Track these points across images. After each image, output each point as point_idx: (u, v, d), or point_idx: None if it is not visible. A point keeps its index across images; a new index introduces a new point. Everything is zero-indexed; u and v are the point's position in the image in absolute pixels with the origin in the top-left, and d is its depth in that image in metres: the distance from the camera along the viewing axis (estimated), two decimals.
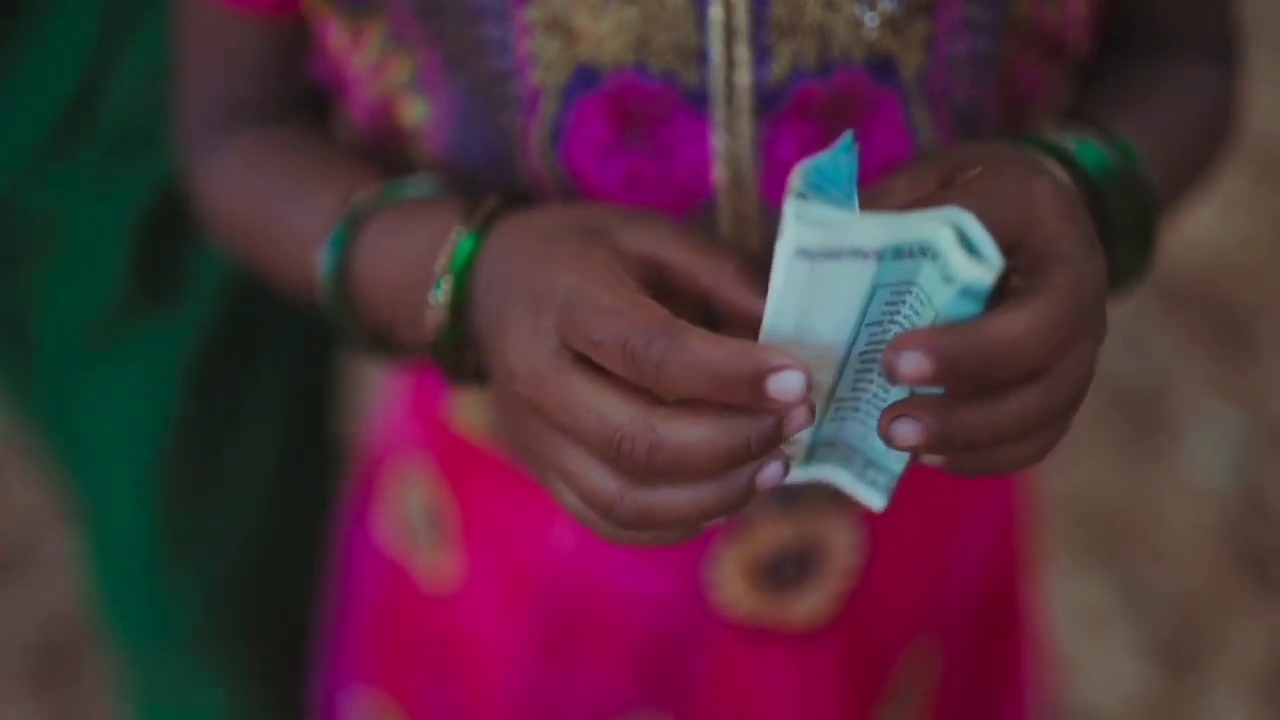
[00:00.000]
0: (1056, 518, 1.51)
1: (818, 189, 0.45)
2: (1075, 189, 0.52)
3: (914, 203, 0.48)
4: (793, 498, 0.66)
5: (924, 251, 0.42)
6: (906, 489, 0.51)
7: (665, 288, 0.50)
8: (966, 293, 0.42)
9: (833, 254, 0.42)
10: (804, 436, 0.51)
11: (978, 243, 0.42)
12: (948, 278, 0.42)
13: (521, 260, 0.50)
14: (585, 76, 0.54)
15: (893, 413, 0.44)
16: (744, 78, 0.54)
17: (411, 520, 0.77)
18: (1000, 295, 0.44)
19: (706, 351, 0.43)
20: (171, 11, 0.66)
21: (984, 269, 0.41)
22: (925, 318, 0.44)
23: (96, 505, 0.94)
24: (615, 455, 0.45)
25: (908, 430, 0.44)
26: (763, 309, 0.44)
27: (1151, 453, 1.67)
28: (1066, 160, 0.54)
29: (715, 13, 0.53)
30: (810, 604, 0.70)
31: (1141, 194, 0.55)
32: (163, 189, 0.82)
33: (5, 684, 1.49)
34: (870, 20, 0.53)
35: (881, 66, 0.54)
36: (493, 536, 0.73)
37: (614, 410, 0.45)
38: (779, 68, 0.54)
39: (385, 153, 0.63)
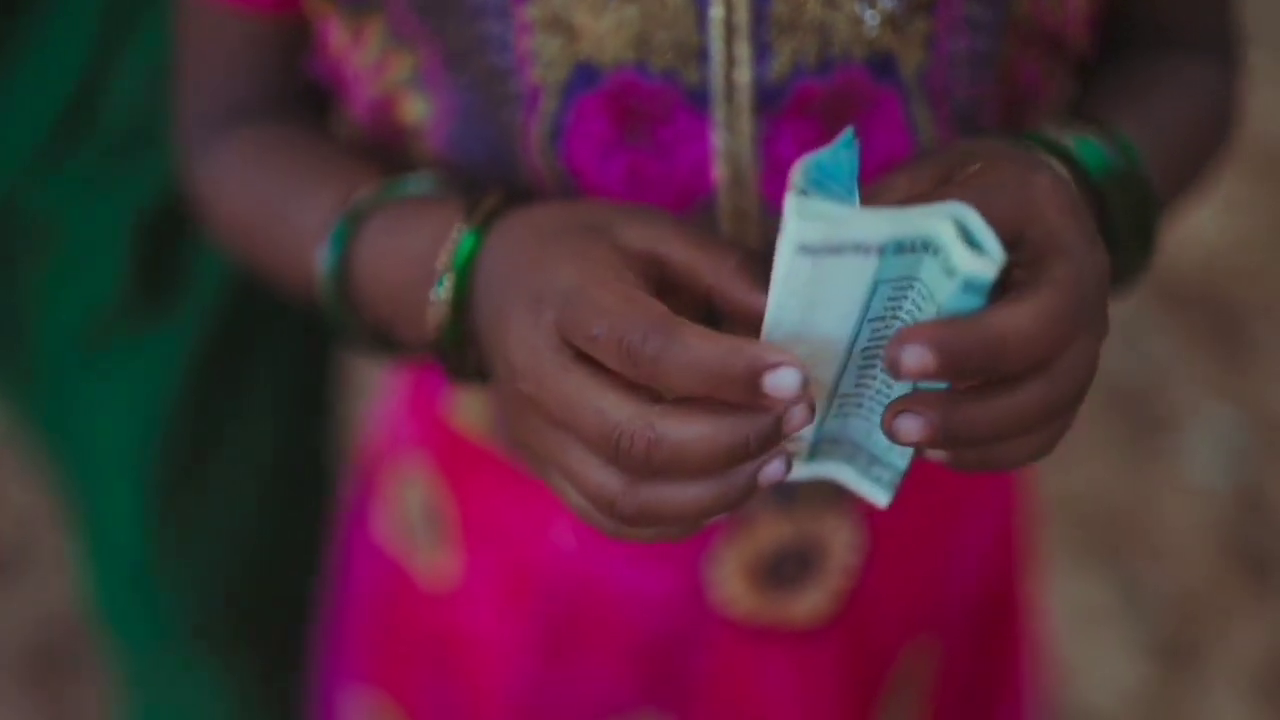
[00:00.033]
0: (1055, 517, 1.51)
1: (818, 185, 0.45)
2: (1075, 185, 0.52)
3: (913, 199, 0.48)
4: (792, 496, 0.66)
5: (925, 246, 0.42)
6: (906, 488, 0.51)
7: (667, 284, 0.50)
8: (969, 287, 0.42)
9: (834, 249, 0.42)
10: (807, 433, 0.51)
11: (979, 236, 0.42)
12: (949, 272, 0.42)
13: (522, 257, 0.50)
14: (585, 74, 0.54)
15: (896, 408, 0.44)
16: (744, 75, 0.54)
17: (410, 519, 0.77)
18: (1002, 289, 0.44)
19: (701, 348, 0.43)
20: (171, 11, 0.66)
21: (985, 262, 0.41)
22: (927, 313, 0.44)
23: (92, 505, 0.94)
24: (614, 453, 0.45)
25: (911, 425, 0.44)
26: (764, 305, 0.44)
27: (1150, 452, 1.67)
28: (1066, 158, 0.54)
29: (716, 10, 0.53)
30: (810, 603, 0.70)
31: (1142, 191, 0.55)
32: (163, 190, 0.82)
33: (2, 684, 1.49)
34: (870, 18, 0.53)
35: (882, 64, 0.54)
36: (492, 535, 0.73)
37: (613, 407, 0.45)
38: (779, 65, 0.54)
39: (385, 151, 0.63)
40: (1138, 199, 0.55)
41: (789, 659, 0.71)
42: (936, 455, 0.48)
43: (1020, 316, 0.42)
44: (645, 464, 0.44)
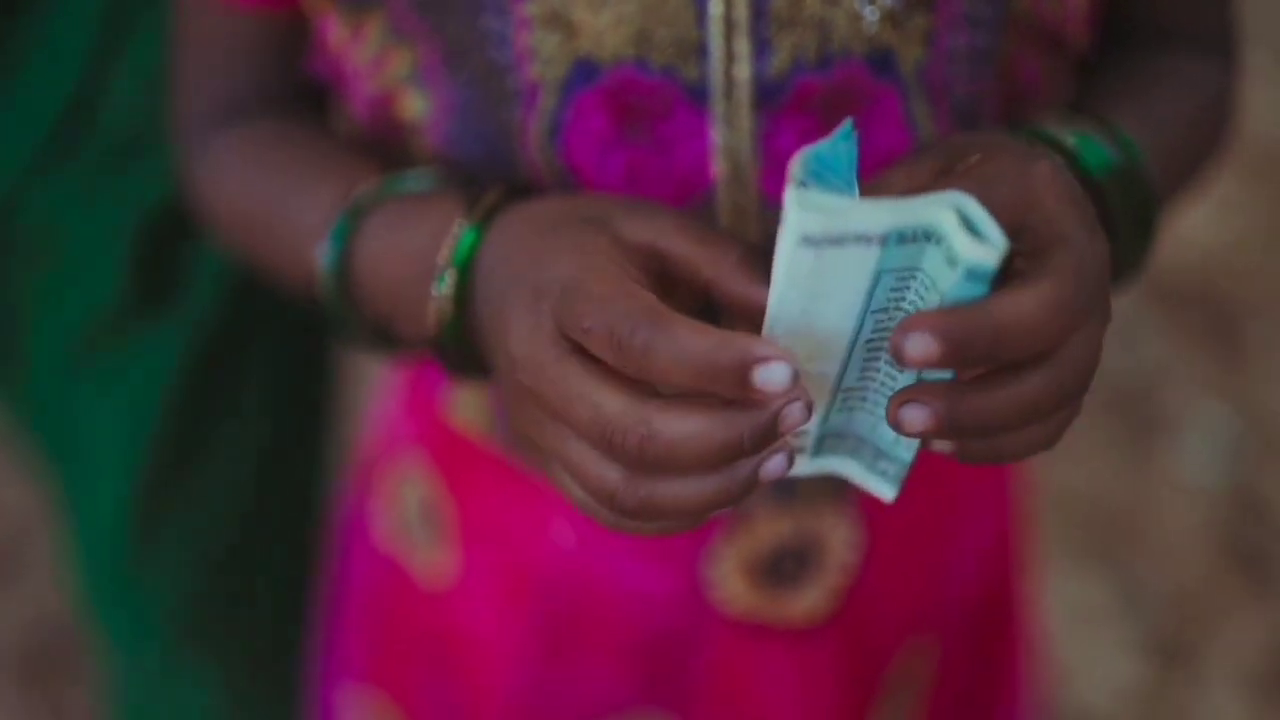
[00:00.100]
0: (1052, 517, 1.51)
1: (818, 177, 0.45)
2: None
3: (913, 192, 0.48)
4: (791, 492, 0.66)
5: (927, 236, 0.42)
6: (906, 486, 0.51)
7: (667, 278, 0.50)
8: (971, 275, 0.41)
9: (835, 240, 0.42)
10: (812, 429, 0.50)
11: (980, 225, 0.42)
12: (951, 260, 0.42)
13: (523, 252, 0.50)
14: (584, 71, 0.54)
15: (901, 398, 0.44)
16: (744, 71, 0.54)
17: (408, 517, 0.77)
18: (1004, 279, 0.44)
19: (691, 341, 0.43)
20: (170, 12, 0.66)
21: (988, 250, 0.41)
22: (930, 302, 0.44)
23: (79, 504, 0.94)
24: (608, 447, 0.45)
25: (916, 415, 0.44)
26: (765, 298, 0.44)
27: (1146, 452, 1.67)
28: (1066, 154, 0.54)
29: (715, 6, 0.53)
30: (808, 601, 0.70)
31: (1141, 188, 0.55)
32: (162, 193, 0.82)
33: None
34: (870, 14, 0.53)
35: (881, 60, 0.54)
36: (490, 533, 0.72)
37: (607, 402, 0.44)
38: (779, 61, 0.54)
39: (385, 147, 0.63)
40: (1138, 196, 0.55)
41: (787, 657, 0.71)
42: (942, 447, 0.48)
43: (1023, 303, 0.42)
44: (639, 459, 0.44)
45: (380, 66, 0.59)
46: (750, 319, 0.47)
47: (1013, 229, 0.45)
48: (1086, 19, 0.60)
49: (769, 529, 0.67)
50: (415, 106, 0.59)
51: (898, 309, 0.45)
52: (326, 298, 0.60)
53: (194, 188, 0.68)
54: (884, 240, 0.42)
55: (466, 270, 0.53)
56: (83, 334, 0.87)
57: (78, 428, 0.91)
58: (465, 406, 0.70)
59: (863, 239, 0.42)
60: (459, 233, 0.53)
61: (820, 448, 0.52)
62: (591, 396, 0.45)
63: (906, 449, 0.49)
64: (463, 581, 0.74)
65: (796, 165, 0.45)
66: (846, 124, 0.47)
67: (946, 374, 0.46)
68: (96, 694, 1.07)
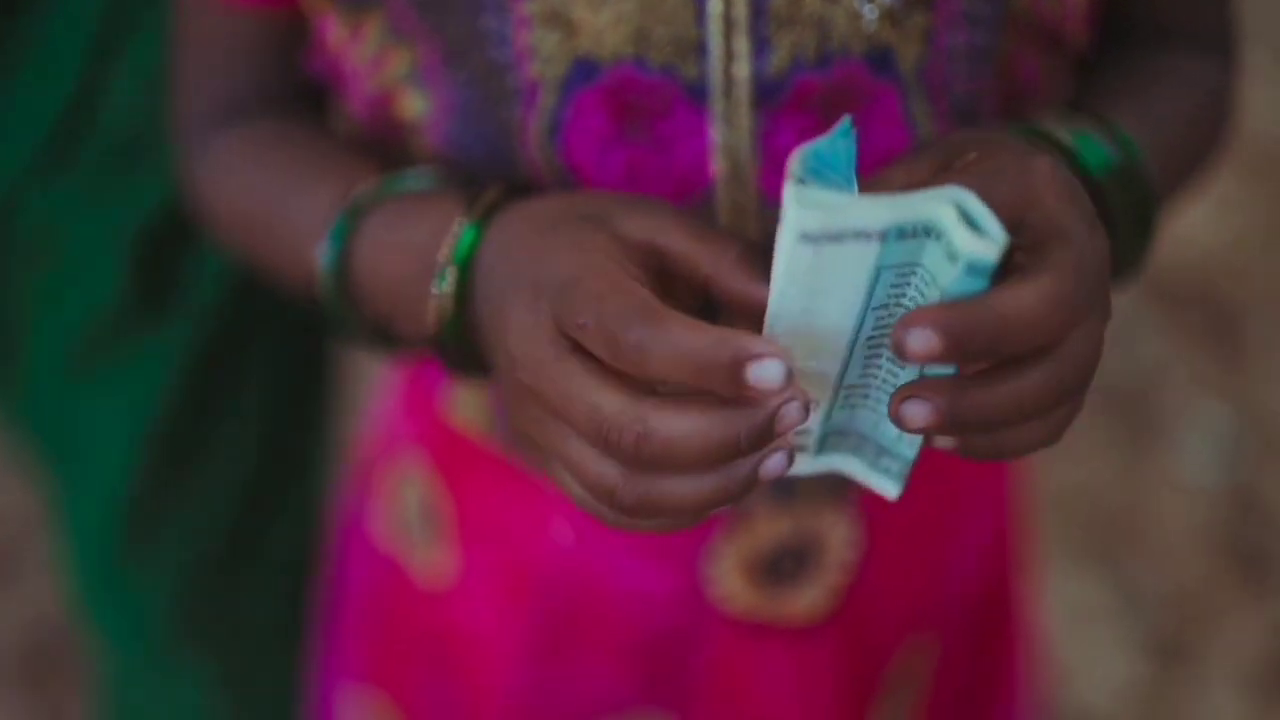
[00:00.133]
0: (1051, 516, 1.51)
1: (816, 174, 0.45)
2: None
3: (912, 189, 0.48)
4: (790, 491, 0.66)
5: (927, 231, 0.42)
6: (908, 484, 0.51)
7: (666, 275, 0.50)
8: (972, 270, 0.41)
9: (835, 237, 0.42)
10: (814, 427, 0.50)
11: (980, 219, 0.42)
12: (952, 255, 0.41)
13: (522, 249, 0.50)
14: (584, 69, 0.54)
15: (903, 394, 0.44)
16: (743, 70, 0.54)
17: (407, 517, 0.77)
18: (1004, 275, 0.44)
19: (685, 338, 0.43)
20: (171, 11, 0.66)
21: (987, 244, 0.41)
22: (931, 298, 0.43)
23: (77, 507, 0.94)
24: (605, 445, 0.45)
25: (918, 411, 0.44)
26: (764, 296, 0.44)
27: (1145, 451, 1.67)
28: (1065, 152, 0.54)
29: (714, 5, 0.53)
30: (808, 599, 0.70)
31: (1141, 186, 0.55)
32: (161, 195, 0.82)
33: None
34: (869, 12, 0.53)
35: (880, 59, 0.54)
36: (489, 533, 0.72)
37: (604, 399, 0.44)
38: (778, 60, 0.54)
39: (384, 146, 0.63)
40: (1137, 195, 0.55)
41: (787, 656, 0.71)
42: (945, 443, 0.48)
43: (1024, 297, 0.42)
44: (635, 458, 0.44)
45: (379, 66, 0.59)
46: (750, 317, 0.47)
47: (1012, 224, 0.44)
48: (1085, 17, 0.60)
49: (769, 527, 0.67)
50: (415, 106, 0.59)
51: (898, 305, 0.45)
52: (326, 297, 0.60)
53: (194, 188, 0.68)
54: (883, 236, 0.42)
55: (467, 268, 0.53)
56: (82, 335, 0.87)
57: (76, 428, 0.91)
58: (465, 406, 0.70)
59: (862, 235, 0.42)
60: (459, 231, 0.53)
61: (823, 446, 0.52)
62: (589, 395, 0.45)
63: (909, 446, 0.49)
64: (462, 581, 0.74)
65: (795, 162, 0.45)
66: (845, 121, 0.47)
67: (948, 370, 0.45)
68: (93, 695, 1.07)
